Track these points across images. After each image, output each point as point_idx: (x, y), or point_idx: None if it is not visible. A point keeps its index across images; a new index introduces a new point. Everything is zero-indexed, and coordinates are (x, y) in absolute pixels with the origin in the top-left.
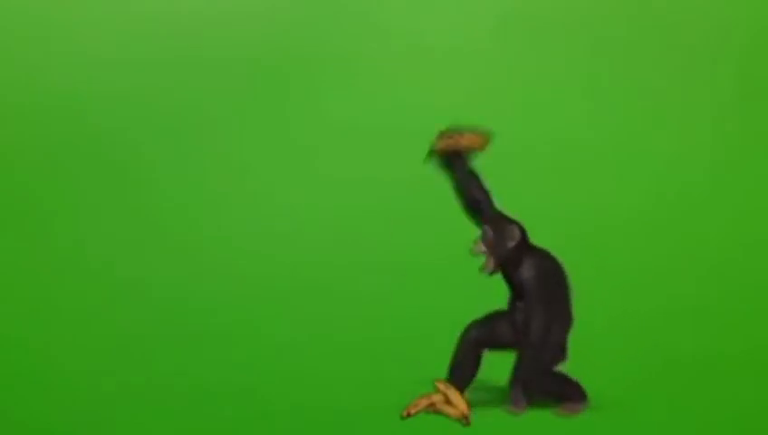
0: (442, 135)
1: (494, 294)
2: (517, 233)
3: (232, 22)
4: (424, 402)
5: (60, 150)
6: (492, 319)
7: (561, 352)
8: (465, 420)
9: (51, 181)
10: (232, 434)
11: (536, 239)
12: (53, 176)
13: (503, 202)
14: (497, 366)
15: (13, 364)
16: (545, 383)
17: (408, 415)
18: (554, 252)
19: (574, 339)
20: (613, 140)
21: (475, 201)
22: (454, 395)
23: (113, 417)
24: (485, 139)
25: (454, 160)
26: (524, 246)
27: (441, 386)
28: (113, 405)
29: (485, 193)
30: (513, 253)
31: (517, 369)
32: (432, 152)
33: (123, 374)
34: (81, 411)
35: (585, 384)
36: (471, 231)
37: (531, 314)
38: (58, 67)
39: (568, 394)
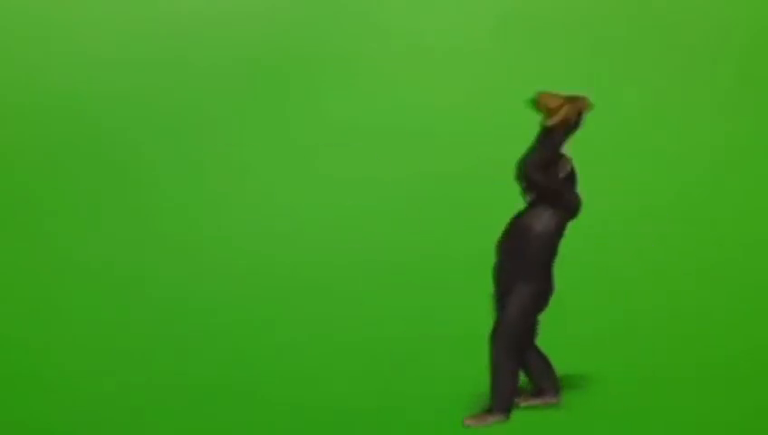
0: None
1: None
2: (569, 166)
3: (232, 23)
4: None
5: (60, 150)
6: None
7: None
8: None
9: (51, 181)
10: (233, 433)
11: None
12: (54, 176)
13: (502, 202)
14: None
15: (12, 364)
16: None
17: None
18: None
19: (576, 339)
20: (613, 140)
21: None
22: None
23: (113, 417)
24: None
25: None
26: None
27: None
28: (113, 405)
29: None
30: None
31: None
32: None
33: (123, 374)
34: (81, 411)
35: (585, 385)
36: (470, 232)
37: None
38: (58, 67)
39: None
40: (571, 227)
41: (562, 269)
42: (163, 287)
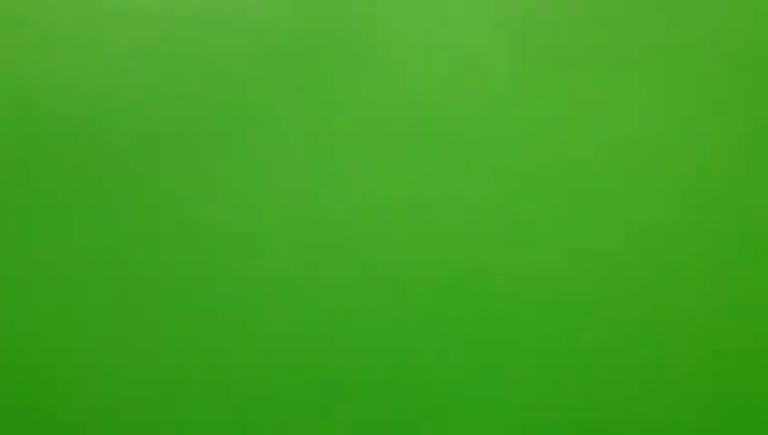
0: None
1: (498, 297)
2: None
3: (233, 22)
4: None
5: (72, 149)
6: None
7: None
8: None
9: (67, 181)
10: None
11: (547, 247)
12: (69, 175)
13: (512, 208)
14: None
15: (13, 362)
16: None
17: None
18: (570, 258)
19: (581, 342)
20: (625, 144)
21: None
22: None
23: (117, 413)
24: None
25: None
26: None
27: None
28: (116, 402)
29: None
30: None
31: None
32: None
33: (126, 370)
34: (82, 409)
35: (591, 391)
36: (475, 233)
37: None
38: (60, 63)
39: None
40: (579, 235)
41: (569, 269)
42: (167, 285)
